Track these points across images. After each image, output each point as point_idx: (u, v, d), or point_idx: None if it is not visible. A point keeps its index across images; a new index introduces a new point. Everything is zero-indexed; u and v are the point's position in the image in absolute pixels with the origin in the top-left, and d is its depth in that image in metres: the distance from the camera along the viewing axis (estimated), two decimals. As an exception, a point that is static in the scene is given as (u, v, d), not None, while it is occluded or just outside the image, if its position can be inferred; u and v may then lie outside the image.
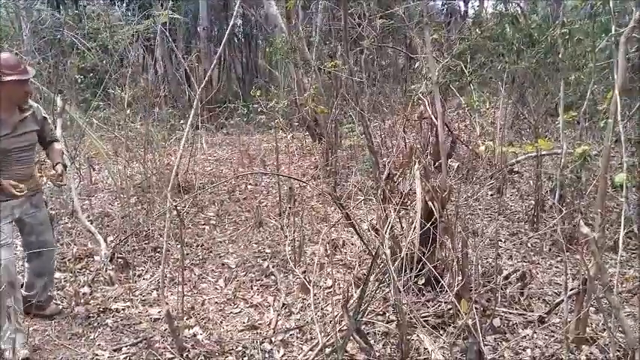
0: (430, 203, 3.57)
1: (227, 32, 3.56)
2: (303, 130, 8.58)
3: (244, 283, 4.23)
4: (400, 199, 3.54)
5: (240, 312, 3.81)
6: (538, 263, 4.49)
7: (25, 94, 3.11)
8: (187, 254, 4.73)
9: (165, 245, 3.25)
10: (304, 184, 6.04)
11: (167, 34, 6.84)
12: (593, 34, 4.66)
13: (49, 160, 3.48)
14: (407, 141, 6.86)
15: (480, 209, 5.67)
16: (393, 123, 4.57)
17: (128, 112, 6.57)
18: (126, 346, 3.33)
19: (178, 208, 3.70)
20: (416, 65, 5.64)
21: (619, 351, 2.98)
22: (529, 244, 4.88)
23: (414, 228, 3.47)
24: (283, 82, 9.50)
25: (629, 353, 2.78)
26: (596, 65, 5.04)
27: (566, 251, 4.51)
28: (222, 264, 4.59)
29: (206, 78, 3.51)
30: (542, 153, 4.96)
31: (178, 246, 4.76)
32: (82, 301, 3.81)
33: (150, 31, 8.22)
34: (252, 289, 4.14)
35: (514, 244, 4.89)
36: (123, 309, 3.84)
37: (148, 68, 9.60)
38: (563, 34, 4.67)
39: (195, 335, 3.45)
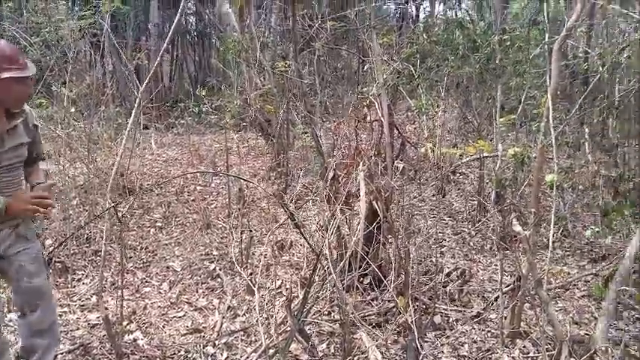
0: (375, 204, 3.63)
1: (172, 28, 3.49)
2: (255, 130, 8.53)
3: (189, 286, 4.16)
4: (345, 199, 3.58)
5: (183, 316, 3.75)
6: (479, 261, 4.65)
7: (24, 96, 2.43)
8: (130, 257, 4.61)
9: (103, 248, 3.16)
10: (254, 186, 6.01)
11: (109, 29, 6.62)
12: (535, 41, 4.89)
13: (28, 182, 2.68)
14: (358, 142, 6.97)
15: (425, 209, 5.81)
16: (338, 124, 4.62)
17: (72, 110, 6.33)
18: (61, 353, 3.20)
19: (119, 209, 3.60)
20: (365, 68, 5.73)
21: (550, 344, 3.12)
22: (471, 243, 5.04)
23: (359, 228, 3.51)
24: (236, 82, 9.40)
25: (558, 346, 2.93)
26: (536, 71, 5.29)
27: (505, 249, 4.70)
28: (167, 267, 4.50)
29: (149, 75, 3.42)
30: (484, 155, 5.14)
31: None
32: (15, 307, 3.64)
33: (96, 26, 7.94)
34: (197, 292, 4.08)
35: (457, 243, 5.04)
36: (60, 315, 3.69)
37: (95, 65, 9.29)
38: (504, 41, 4.86)
39: (135, 340, 3.36)
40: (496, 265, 4.61)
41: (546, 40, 3.46)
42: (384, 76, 4.62)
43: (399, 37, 8.56)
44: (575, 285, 4.19)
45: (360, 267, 3.50)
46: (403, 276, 3.48)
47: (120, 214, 3.46)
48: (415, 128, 7.55)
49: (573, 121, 6.41)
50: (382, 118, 4.30)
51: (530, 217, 3.28)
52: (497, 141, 4.26)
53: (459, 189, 6.70)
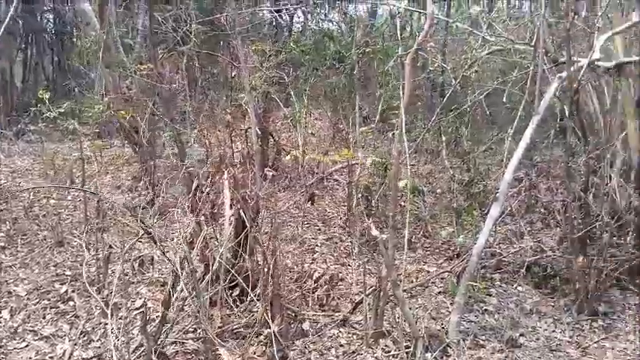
0: (241, 213, 3.54)
1: (5, 22, 3.07)
2: (121, 137, 7.96)
3: (35, 312, 3.70)
4: (211, 209, 3.44)
5: (26, 346, 3.32)
6: (349, 265, 4.78)
7: None
8: (-40, 284, 3.98)
9: None
10: (104, 199, 5.55)
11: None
12: (393, 54, 5.19)
13: None
14: (234, 150, 6.82)
15: (299, 216, 5.85)
16: (200, 131, 4.46)
17: None
18: None
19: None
20: (233, 74, 5.63)
21: (409, 341, 3.29)
22: (342, 248, 5.17)
23: (226, 239, 3.40)
24: (99, 86, 8.72)
25: (414, 342, 3.09)
26: (398, 83, 5.62)
27: (374, 252, 4.90)
28: (9, 292, 3.96)
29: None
30: (353, 162, 5.32)
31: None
32: None
33: None
34: (44, 318, 3.64)
35: (328, 248, 5.14)
36: None
37: None
38: (367, 53, 5.09)
39: (-39, 382, 2.89)
40: (368, 267, 4.79)
41: (399, 53, 3.66)
42: (252, 83, 4.57)
43: (274, 44, 8.59)
44: (433, 282, 4.50)
45: (228, 279, 3.40)
46: (271, 285, 3.43)
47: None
48: (289, 136, 7.61)
49: (433, 129, 6.94)
50: (251, 126, 4.25)
51: (390, 221, 3.45)
52: (354, 149, 4.43)
53: (331, 195, 6.87)
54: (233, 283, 3.56)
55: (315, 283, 3.94)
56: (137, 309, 3.78)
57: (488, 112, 6.03)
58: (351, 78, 4.98)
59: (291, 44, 5.63)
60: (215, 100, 8.01)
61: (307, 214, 6.15)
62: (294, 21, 11.16)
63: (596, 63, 4.81)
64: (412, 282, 4.42)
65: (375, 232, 2.92)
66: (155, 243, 2.68)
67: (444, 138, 7.26)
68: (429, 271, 4.72)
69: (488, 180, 6.15)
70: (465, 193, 5.85)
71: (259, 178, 3.71)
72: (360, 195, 5.09)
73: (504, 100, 6.09)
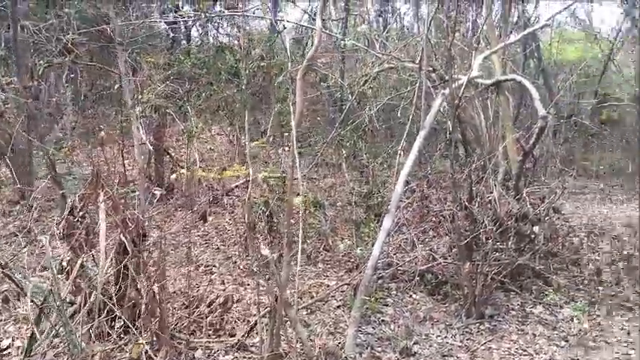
0: (122, 237, 3.27)
1: None
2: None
3: None
4: (85, 235, 3.13)
5: None
6: (247, 284, 4.61)
7: None
8: None
9: None
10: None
11: None
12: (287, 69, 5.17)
13: None
14: (126, 168, 6.39)
15: (196, 236, 5.60)
16: (71, 150, 4.11)
17: None
18: None
19: None
20: (116, 87, 5.29)
21: (307, 361, 3.20)
22: (241, 267, 5.00)
23: (102, 267, 3.10)
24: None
25: (309, 362, 3.01)
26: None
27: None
28: None
29: None
30: (249, 178, 5.19)
31: None
32: None
33: None
34: None
35: (227, 268, 4.95)
36: None
37: None
38: (262, 68, 5.03)
39: None
40: (264, 286, 4.65)
41: (289, 68, 3.64)
42: (140, 97, 4.30)
43: (170, 57, 8.24)
44: (332, 296, 4.47)
45: (107, 310, 3.10)
46: (157, 314, 3.19)
47: None
48: (184, 152, 7.31)
49: (334, 143, 7.03)
50: (135, 142, 3.97)
51: (284, 237, 3.36)
52: (249, 164, 4.33)
53: (231, 212, 6.66)
54: (115, 315, 3.26)
55: (208, 307, 3.73)
56: (3, 350, 3.34)
57: (382, 126, 6.21)
58: (244, 92, 4.89)
59: (180, 57, 5.40)
60: (105, 115, 7.50)
61: (206, 234, 5.91)
62: (192, 34, 10.84)
63: (475, 80, 5.16)
64: (312, 297, 4.37)
65: (265, 251, 2.82)
66: (9, 278, 2.35)
67: (344, 152, 7.39)
68: (329, 285, 4.69)
69: (386, 191, 6.32)
70: (364, 205, 5.95)
71: (143, 199, 3.46)
72: (260, 211, 4.97)
73: (399, 114, 6.32)
